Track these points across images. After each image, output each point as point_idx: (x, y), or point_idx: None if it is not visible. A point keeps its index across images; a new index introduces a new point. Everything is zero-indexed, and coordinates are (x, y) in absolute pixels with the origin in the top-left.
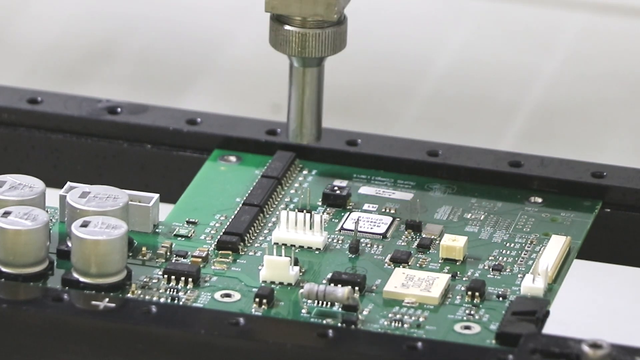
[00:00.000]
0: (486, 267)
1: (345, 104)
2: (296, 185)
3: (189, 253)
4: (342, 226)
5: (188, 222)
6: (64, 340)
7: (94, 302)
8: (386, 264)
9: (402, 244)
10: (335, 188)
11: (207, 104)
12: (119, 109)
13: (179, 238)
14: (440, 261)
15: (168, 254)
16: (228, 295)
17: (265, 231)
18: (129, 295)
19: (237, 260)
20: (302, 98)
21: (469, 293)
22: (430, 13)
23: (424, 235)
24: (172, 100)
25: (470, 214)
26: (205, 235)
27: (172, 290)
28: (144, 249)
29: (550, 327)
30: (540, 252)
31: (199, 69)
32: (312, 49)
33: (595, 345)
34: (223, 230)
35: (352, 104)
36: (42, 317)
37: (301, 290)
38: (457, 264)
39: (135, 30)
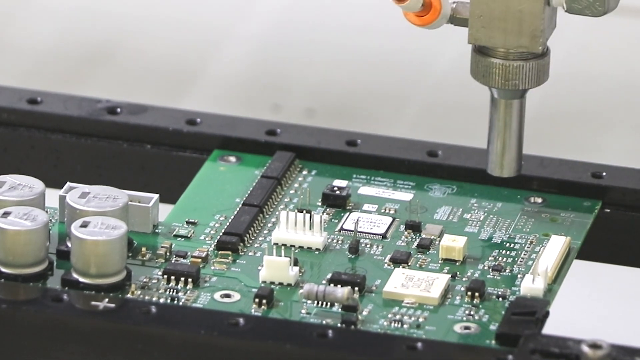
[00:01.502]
0: (486, 268)
1: (343, 108)
2: (296, 185)
3: (189, 253)
4: (342, 226)
5: (188, 223)
6: (64, 340)
7: (93, 303)
8: (386, 264)
9: (402, 244)
10: (335, 188)
11: (207, 104)
12: (118, 109)
13: (179, 238)
14: (440, 261)
15: (168, 254)
16: (228, 296)
17: (265, 231)
18: (129, 295)
19: (237, 261)
20: (504, 131)
21: (469, 293)
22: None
23: (423, 236)
24: (172, 101)
25: (470, 214)
26: (205, 235)
27: (171, 290)
28: (143, 249)
29: (550, 327)
30: (540, 253)
31: (199, 69)
32: (516, 81)
33: (595, 346)
34: (223, 230)
35: (351, 107)
36: (42, 317)
37: (301, 291)
38: (457, 264)
39: (135, 30)
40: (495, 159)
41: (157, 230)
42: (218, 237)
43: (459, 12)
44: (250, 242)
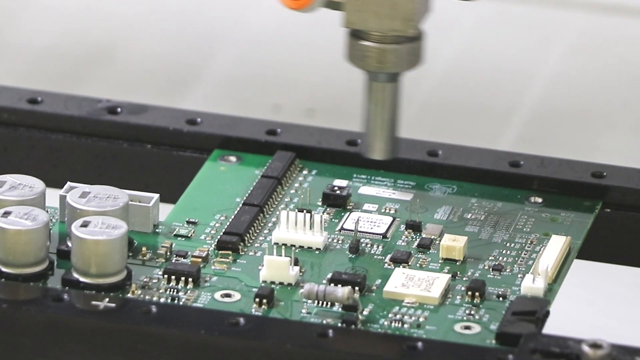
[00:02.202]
0: (486, 267)
1: (344, 108)
2: (296, 185)
3: (189, 253)
4: (342, 226)
5: (188, 222)
6: (64, 340)
7: (94, 302)
8: (386, 264)
9: (402, 244)
10: (335, 188)
11: (207, 104)
12: (119, 109)
13: (179, 238)
14: (440, 261)
15: (168, 254)
16: (228, 295)
17: (265, 231)
18: (129, 295)
19: (237, 260)
20: (379, 113)
21: (469, 293)
22: (433, 10)
23: (424, 235)
24: (173, 100)
25: (470, 214)
26: (205, 235)
27: (172, 290)
28: (144, 249)
29: (550, 327)
30: (540, 252)
31: (199, 69)
32: (390, 64)
33: (595, 345)
34: (223, 230)
35: (350, 108)
36: (42, 317)
37: (301, 290)
38: (457, 264)
39: (136, 30)
40: (370, 141)
41: (157, 230)
42: (218, 237)
43: None
44: (251, 241)
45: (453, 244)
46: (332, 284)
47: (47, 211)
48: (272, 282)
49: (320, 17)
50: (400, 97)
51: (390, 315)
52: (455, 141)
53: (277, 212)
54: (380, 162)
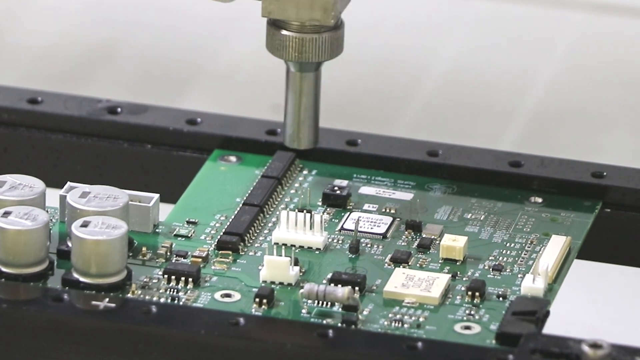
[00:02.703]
0: (486, 267)
1: (343, 108)
2: (296, 185)
3: (189, 253)
4: (342, 226)
5: (188, 222)
6: (64, 340)
7: (94, 302)
8: (386, 264)
9: (402, 244)
10: (335, 188)
11: (207, 104)
12: (119, 109)
13: (179, 238)
14: (440, 261)
15: (168, 254)
16: (228, 295)
17: (265, 231)
18: (129, 295)
19: (237, 260)
20: (300, 103)
21: (469, 293)
22: (429, 15)
23: (424, 235)
24: (172, 100)
25: (470, 214)
26: (205, 235)
27: (172, 290)
28: (144, 249)
29: (550, 327)
30: (540, 252)
31: (199, 69)
32: (310, 54)
33: (595, 345)
34: (223, 230)
35: (350, 108)
36: (42, 317)
37: (301, 290)
38: (457, 264)
39: (136, 30)
40: (292, 131)
41: (157, 230)
42: (218, 237)
43: None
44: (251, 241)
45: (453, 244)
46: (332, 284)
47: (47, 211)
48: (272, 282)
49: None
50: (319, 87)
51: (390, 315)
52: (455, 141)
53: (277, 212)
54: (381, 161)
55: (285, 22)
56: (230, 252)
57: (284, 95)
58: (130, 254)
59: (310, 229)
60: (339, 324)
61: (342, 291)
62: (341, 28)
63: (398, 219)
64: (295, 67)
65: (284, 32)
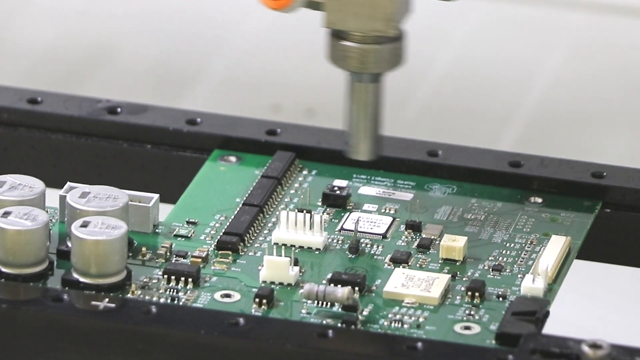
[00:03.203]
0: (486, 268)
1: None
2: (296, 185)
3: (189, 253)
4: (342, 226)
5: (188, 222)
6: (64, 340)
7: (93, 302)
8: (386, 264)
9: (402, 244)
10: (335, 188)
11: (207, 104)
12: (119, 109)
13: (179, 238)
14: (440, 261)
15: (168, 254)
16: (228, 296)
17: (265, 231)
18: (129, 295)
19: (237, 261)
20: (361, 114)
21: (469, 293)
22: (429, 15)
23: (424, 236)
24: (172, 100)
25: (470, 214)
26: (205, 235)
27: (172, 290)
28: (144, 249)
29: (550, 327)
30: (540, 252)
31: (199, 69)
32: (371, 65)
33: (595, 346)
34: (223, 230)
35: None
36: (42, 317)
37: (301, 291)
38: (457, 264)
39: (135, 30)
40: (353, 142)
41: (157, 230)
42: (218, 237)
43: None
44: (251, 242)
45: (453, 244)
46: (332, 284)
47: (47, 211)
48: (272, 282)
49: (320, 17)
50: (382, 97)
51: (390, 315)
52: (455, 141)
53: (277, 212)
54: (380, 161)
55: (346, 32)
56: (230, 252)
57: (284, 95)
58: (130, 254)
59: (310, 229)
60: (339, 324)
61: (342, 291)
62: (402, 39)
63: (398, 219)
64: (356, 77)
65: (345, 42)
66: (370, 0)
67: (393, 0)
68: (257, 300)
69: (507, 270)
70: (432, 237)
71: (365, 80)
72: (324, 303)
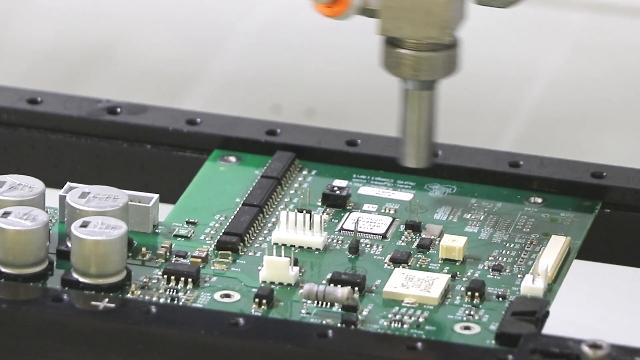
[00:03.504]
0: (486, 268)
1: (344, 107)
2: (296, 185)
3: (189, 253)
4: (342, 226)
5: (188, 223)
6: (64, 340)
7: (93, 303)
8: (386, 264)
9: (402, 244)
10: (335, 188)
11: (207, 104)
12: (118, 109)
13: (179, 238)
14: (440, 261)
15: (168, 254)
16: (228, 296)
17: (265, 231)
18: (129, 295)
19: (237, 261)
20: (415, 121)
21: (469, 293)
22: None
23: (423, 236)
24: (172, 100)
25: (470, 214)
26: (205, 235)
27: (171, 290)
28: (143, 249)
29: (550, 327)
30: (540, 252)
31: (199, 69)
32: (425, 72)
33: (595, 346)
34: (223, 230)
35: (351, 107)
36: (42, 317)
37: (301, 291)
38: (457, 264)
39: (136, 30)
40: (408, 150)
41: (157, 230)
42: (218, 237)
43: (368, 3)
44: (250, 242)
45: (453, 244)
46: (332, 284)
47: (46, 211)
48: (272, 283)
49: (320, 18)
50: (436, 105)
51: (390, 315)
52: (455, 141)
53: (277, 213)
54: (380, 162)
55: (401, 39)
56: (229, 253)
57: (284, 95)
58: (130, 254)
59: (310, 229)
60: (339, 324)
61: (342, 291)
62: (457, 46)
63: (398, 219)
64: (410, 85)
65: (399, 50)
66: (426, 8)
67: (449, 8)
68: (257, 300)
69: (507, 270)
70: (432, 237)
71: (419, 88)
72: (324, 303)
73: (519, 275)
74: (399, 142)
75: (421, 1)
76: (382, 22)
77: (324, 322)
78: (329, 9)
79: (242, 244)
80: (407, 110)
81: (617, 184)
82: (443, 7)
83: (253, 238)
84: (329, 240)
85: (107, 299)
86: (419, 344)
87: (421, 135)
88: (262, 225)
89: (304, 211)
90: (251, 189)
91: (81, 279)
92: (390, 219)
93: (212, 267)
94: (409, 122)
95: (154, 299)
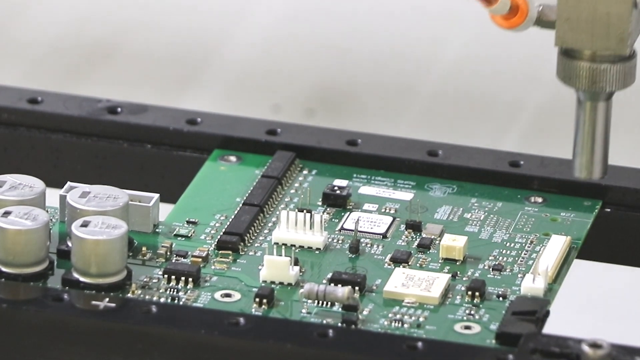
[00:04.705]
0: (486, 267)
1: (344, 107)
2: (296, 185)
3: (189, 253)
4: (342, 226)
5: (188, 222)
6: (64, 340)
7: (94, 302)
8: (386, 264)
9: (402, 244)
10: (335, 188)
11: (207, 104)
12: (119, 109)
13: (179, 238)
14: (440, 261)
15: (168, 253)
16: (228, 295)
17: (265, 231)
18: (129, 295)
19: (237, 260)
20: (590, 132)
21: (469, 293)
22: (432, 11)
23: (424, 235)
24: (173, 100)
25: (470, 214)
26: (205, 235)
27: (172, 290)
28: (144, 249)
29: (550, 327)
30: (540, 252)
31: (199, 68)
32: (602, 84)
33: (595, 345)
34: (223, 230)
35: (351, 107)
36: (42, 317)
37: (301, 290)
38: (457, 264)
39: (135, 30)
40: (583, 161)
41: (157, 230)
42: (218, 237)
43: (545, 14)
44: (251, 241)
45: (453, 244)
46: (332, 284)
47: (47, 211)
48: (272, 282)
49: (320, 18)
50: (610, 116)
51: (390, 315)
52: (456, 141)
53: (277, 212)
54: (381, 161)
55: (577, 51)
56: (230, 252)
57: (284, 95)
58: (130, 254)
59: (310, 228)
60: (339, 324)
61: (342, 291)
62: (634, 57)
63: (398, 219)
64: (586, 96)
65: (576, 61)
66: (605, 20)
67: (628, 20)
68: (257, 300)
69: (507, 270)
70: (432, 236)
71: (595, 99)
72: (324, 303)
73: (519, 275)
74: (574, 153)
75: (600, 13)
76: (560, 33)
77: (324, 321)
78: (506, 21)
79: (242, 243)
80: (581, 121)
81: (617, 183)
82: (622, 19)
83: (253, 238)
84: (330, 239)
85: (107, 299)
86: (419, 344)
87: (595, 147)
88: (262, 224)
89: (305, 211)
90: (251, 188)
91: (81, 279)
92: (391, 219)
93: (213, 267)
94: (583, 133)
95: (155, 298)
